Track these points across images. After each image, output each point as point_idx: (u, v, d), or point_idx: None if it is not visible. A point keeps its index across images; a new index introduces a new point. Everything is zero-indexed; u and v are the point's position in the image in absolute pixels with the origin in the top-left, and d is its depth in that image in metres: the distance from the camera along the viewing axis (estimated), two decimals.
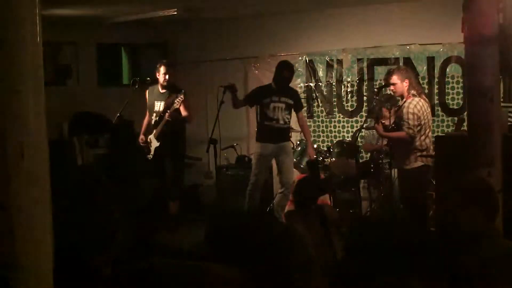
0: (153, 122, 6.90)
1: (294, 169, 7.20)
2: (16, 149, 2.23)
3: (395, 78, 5.78)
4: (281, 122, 6.65)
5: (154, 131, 6.84)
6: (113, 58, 9.36)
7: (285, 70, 6.61)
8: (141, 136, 6.98)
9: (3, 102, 2.25)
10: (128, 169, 7.96)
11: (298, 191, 4.89)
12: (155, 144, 6.84)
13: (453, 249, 2.77)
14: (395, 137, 5.76)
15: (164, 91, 6.89)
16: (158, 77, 6.90)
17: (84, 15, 7.77)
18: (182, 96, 6.60)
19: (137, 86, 7.03)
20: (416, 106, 5.61)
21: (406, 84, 5.73)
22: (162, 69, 6.88)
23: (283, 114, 6.66)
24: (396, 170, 6.07)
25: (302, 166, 7.20)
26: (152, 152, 6.89)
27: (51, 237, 2.44)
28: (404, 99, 5.72)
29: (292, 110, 6.77)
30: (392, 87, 5.86)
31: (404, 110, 5.63)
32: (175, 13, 7.47)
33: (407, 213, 5.77)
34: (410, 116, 5.58)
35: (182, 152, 7.15)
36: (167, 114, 6.62)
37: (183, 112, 6.70)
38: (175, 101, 6.61)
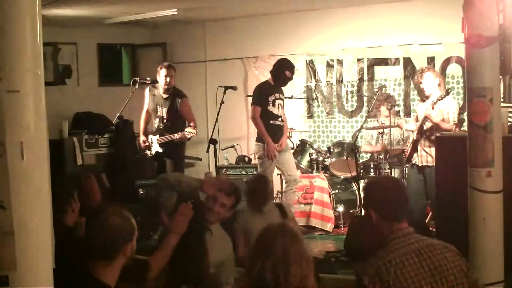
0: (156, 126, 6.83)
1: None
2: (16, 149, 2.23)
3: (429, 76, 5.92)
4: (282, 119, 6.50)
5: (158, 137, 6.78)
6: (113, 58, 9.36)
7: (288, 70, 6.47)
8: (143, 138, 6.89)
9: (3, 102, 2.25)
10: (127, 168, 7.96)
11: (251, 190, 4.91)
12: (156, 147, 6.80)
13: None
14: (444, 127, 5.73)
15: (166, 96, 6.78)
16: (158, 79, 6.79)
17: (84, 15, 7.76)
18: (194, 132, 6.54)
19: (137, 86, 7.01)
20: (455, 103, 5.97)
21: (435, 83, 5.89)
22: (162, 72, 6.75)
23: (283, 111, 6.56)
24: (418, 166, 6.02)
25: (302, 166, 7.21)
26: (153, 152, 6.85)
27: (51, 237, 2.43)
28: (440, 96, 5.76)
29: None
30: (422, 85, 5.97)
31: (451, 105, 5.82)
32: (175, 13, 7.46)
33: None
34: (456, 111, 5.82)
35: (183, 154, 7.12)
36: (177, 136, 6.56)
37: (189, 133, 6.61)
38: (188, 130, 6.51)
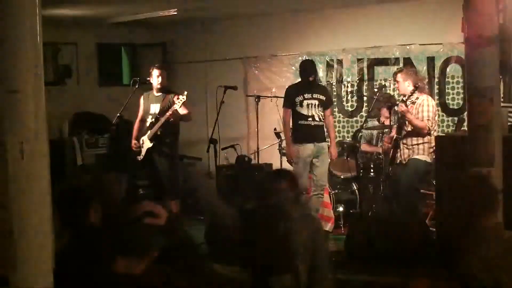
0: (148, 124, 6.84)
1: None
2: (16, 149, 2.23)
3: (398, 76, 6.05)
4: (317, 119, 6.33)
5: (149, 132, 6.78)
6: (113, 58, 9.36)
7: (308, 75, 6.33)
8: (134, 141, 6.92)
9: (3, 102, 2.25)
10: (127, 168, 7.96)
11: None
12: (147, 145, 6.78)
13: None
14: (415, 123, 5.80)
15: (159, 94, 6.82)
16: (151, 81, 6.85)
17: (84, 15, 7.77)
18: (184, 97, 6.53)
19: (137, 86, 7.00)
20: (432, 102, 5.94)
21: (408, 84, 5.91)
22: (155, 73, 6.81)
23: (317, 110, 6.37)
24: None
25: None
26: (143, 153, 6.84)
27: (51, 237, 2.44)
28: (417, 96, 5.85)
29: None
30: (396, 85, 6.18)
31: (425, 103, 5.83)
32: (175, 13, 7.46)
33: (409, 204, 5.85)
34: (431, 109, 5.83)
35: (177, 151, 7.10)
36: (168, 113, 6.56)
37: (182, 111, 6.63)
38: (177, 101, 6.53)
